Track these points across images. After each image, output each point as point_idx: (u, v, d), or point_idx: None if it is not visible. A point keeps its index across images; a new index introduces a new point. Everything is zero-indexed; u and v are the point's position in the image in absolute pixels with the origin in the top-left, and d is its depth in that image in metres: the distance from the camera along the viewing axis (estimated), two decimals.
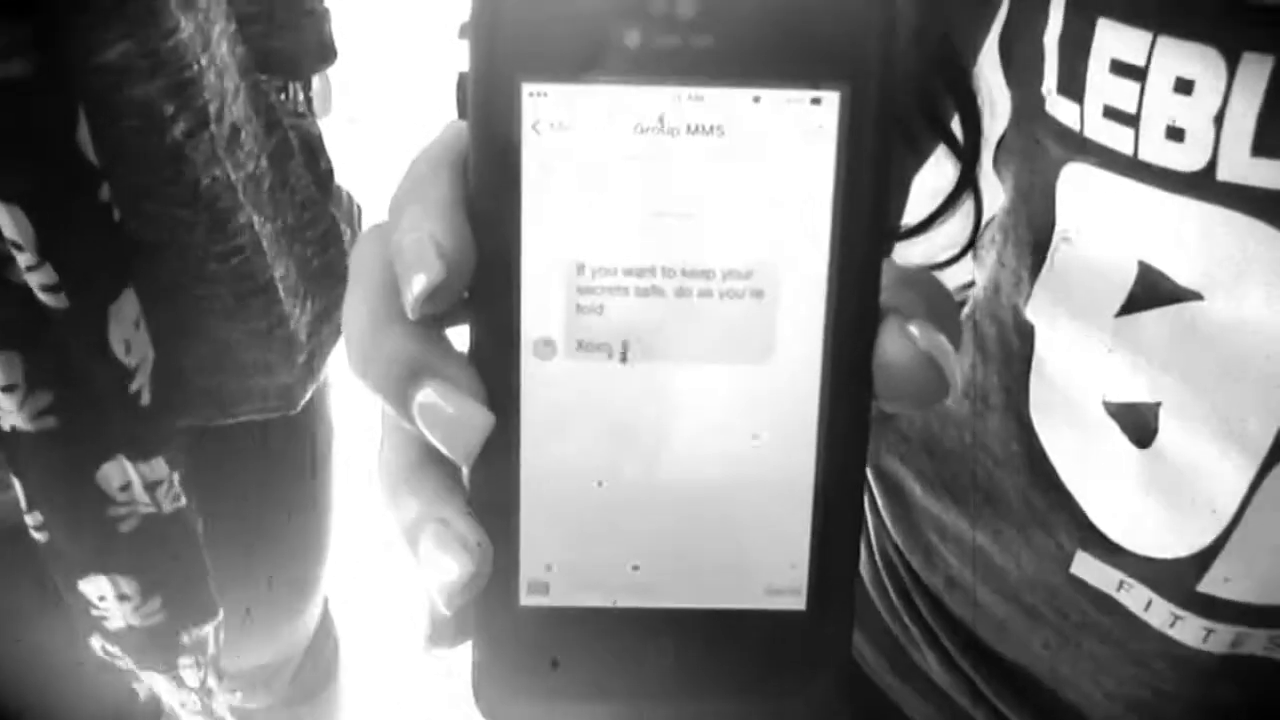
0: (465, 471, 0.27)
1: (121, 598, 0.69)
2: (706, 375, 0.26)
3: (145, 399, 0.64)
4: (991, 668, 0.58)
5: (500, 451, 0.26)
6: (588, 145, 0.25)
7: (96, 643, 0.72)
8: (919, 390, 0.26)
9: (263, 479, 0.83)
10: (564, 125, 0.25)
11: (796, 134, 0.25)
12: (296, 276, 0.72)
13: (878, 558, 0.63)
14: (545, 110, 0.25)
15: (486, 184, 0.25)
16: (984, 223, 0.56)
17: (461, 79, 0.25)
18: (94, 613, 0.70)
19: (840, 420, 0.26)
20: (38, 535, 0.66)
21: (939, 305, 0.27)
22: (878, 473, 0.62)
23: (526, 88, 0.25)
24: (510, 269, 0.25)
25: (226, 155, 0.64)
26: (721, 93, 0.25)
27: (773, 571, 0.27)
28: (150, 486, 0.66)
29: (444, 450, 0.25)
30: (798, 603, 0.27)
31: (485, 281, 0.25)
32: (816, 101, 0.25)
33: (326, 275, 0.75)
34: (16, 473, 0.64)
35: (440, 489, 0.26)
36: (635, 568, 0.27)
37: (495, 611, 0.27)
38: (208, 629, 0.73)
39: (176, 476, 0.68)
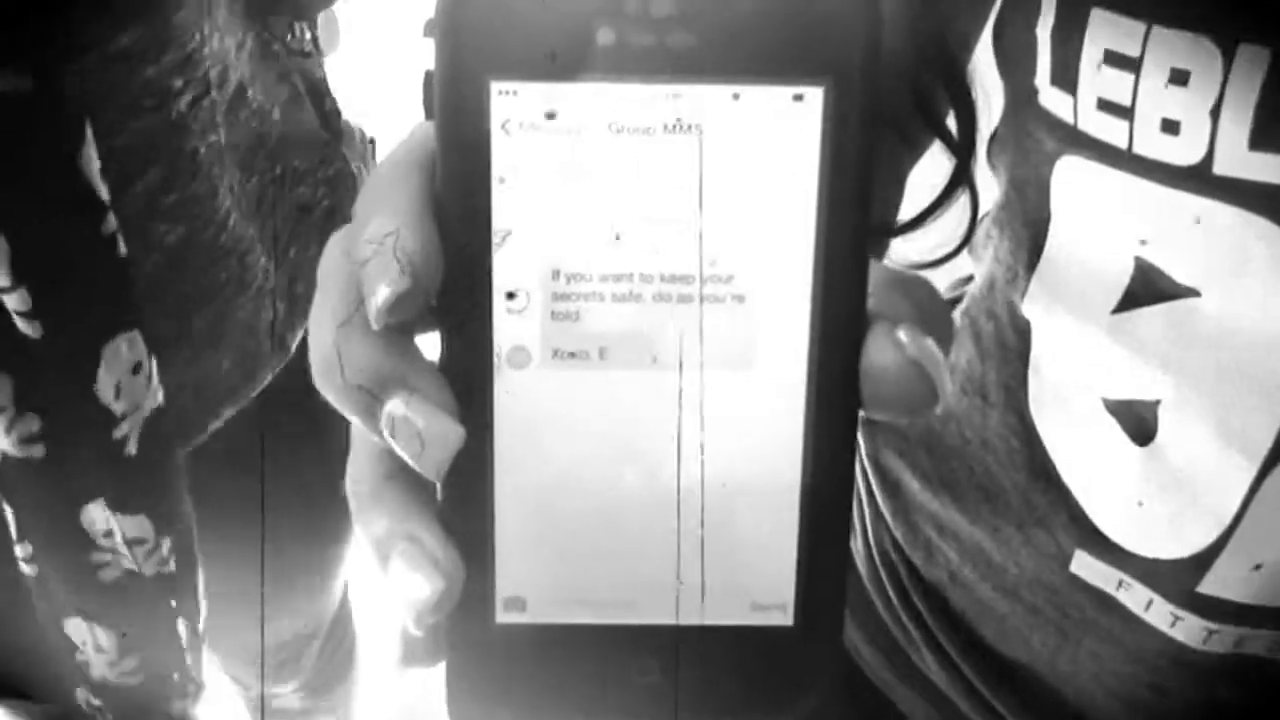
0: (438, 485, 0.26)
1: (98, 649, 0.66)
2: (687, 384, 0.25)
3: (131, 449, 0.61)
4: (990, 668, 0.57)
5: (473, 465, 0.25)
6: (560, 146, 0.24)
7: (82, 694, 0.69)
8: (906, 399, 0.25)
9: (278, 456, 0.82)
10: (535, 125, 0.24)
11: (778, 132, 0.24)
12: (281, 228, 0.71)
13: (875, 555, 0.63)
14: (515, 110, 0.24)
15: (455, 187, 0.24)
16: (979, 218, 0.55)
17: (428, 77, 0.24)
18: (79, 657, 0.67)
19: (826, 430, 0.26)
20: (27, 569, 0.64)
21: (929, 310, 0.26)
22: (876, 468, 0.62)
23: (495, 86, 0.24)
24: (481, 276, 0.25)
25: (225, 119, 0.63)
26: (699, 90, 0.24)
27: (758, 587, 0.26)
28: (131, 542, 0.63)
29: (413, 465, 0.24)
30: (784, 619, 0.26)
31: (455, 289, 0.25)
32: (799, 98, 0.24)
33: (334, 217, 0.74)
34: (8, 499, 0.62)
35: (411, 503, 0.25)
36: (615, 583, 0.26)
37: (470, 629, 0.26)
38: (190, 707, 0.71)
39: (166, 543, 0.65)
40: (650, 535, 0.26)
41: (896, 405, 0.25)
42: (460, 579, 0.25)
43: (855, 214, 0.25)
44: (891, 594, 0.61)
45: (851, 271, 0.25)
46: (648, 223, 0.25)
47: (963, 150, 0.53)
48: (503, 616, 0.26)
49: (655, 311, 0.25)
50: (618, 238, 0.25)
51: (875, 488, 0.62)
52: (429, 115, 0.24)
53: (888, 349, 0.25)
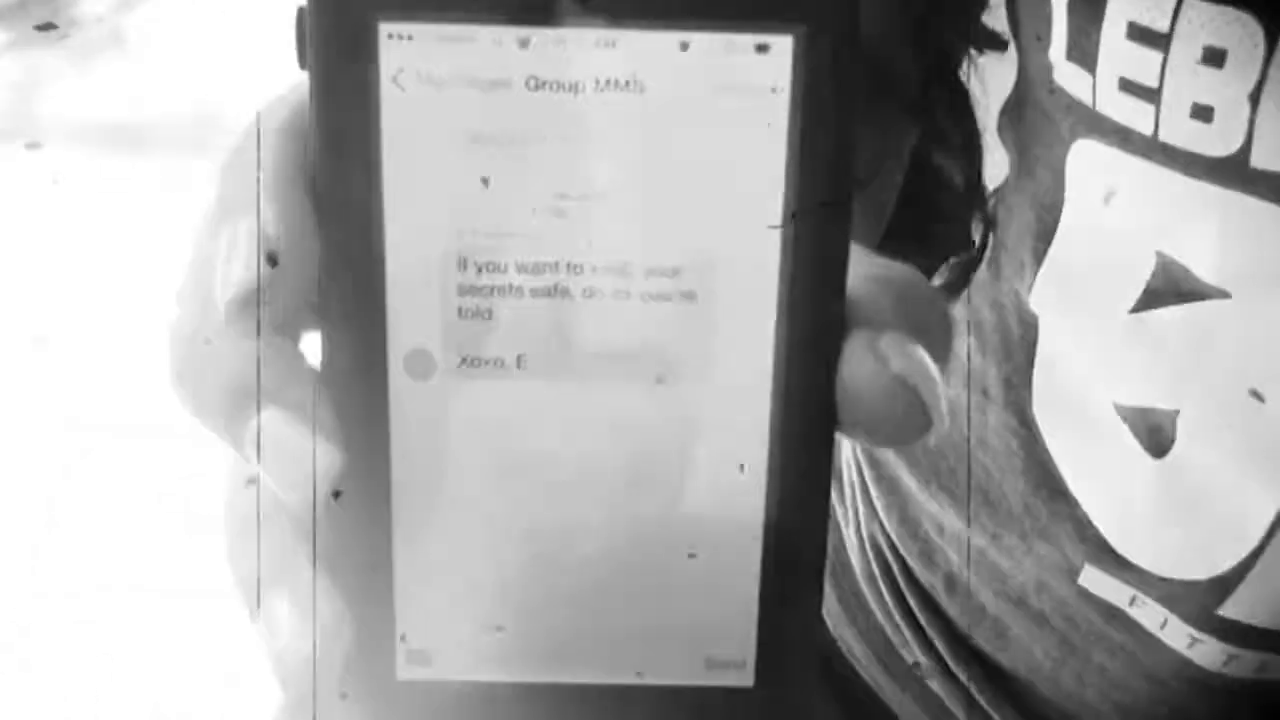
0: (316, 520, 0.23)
1: None
2: (625, 399, 0.22)
3: None
4: (989, 675, 0.56)
5: (367, 495, 0.22)
6: (467, 105, 0.21)
7: None
8: (891, 423, 0.22)
9: None
10: (435, 78, 0.21)
11: (736, 91, 0.21)
12: None
13: (868, 548, 0.62)
14: (410, 58, 0.21)
15: (336, 155, 0.21)
16: (989, 198, 0.53)
17: (300, 15, 0.21)
18: None
19: (795, 454, 0.23)
20: None
21: (920, 313, 0.23)
22: (870, 461, 0.61)
23: (385, 28, 0.21)
24: (371, 264, 0.21)
25: None
26: (640, 37, 0.21)
27: (713, 640, 0.24)
28: None
29: (282, 496, 0.21)
30: (744, 679, 0.24)
31: (338, 280, 0.21)
32: (762, 49, 0.21)
33: None
34: None
35: (290, 540, 0.22)
36: (540, 634, 0.23)
37: (368, 686, 0.23)
38: None
39: None
40: (581, 578, 0.23)
41: (879, 429, 0.22)
42: (344, 635, 0.22)
43: (831, 193, 0.21)
44: (884, 591, 0.60)
45: (827, 265, 0.22)
46: (575, 201, 0.21)
47: (970, 172, 0.51)
48: (405, 672, 0.23)
49: (585, 310, 0.22)
50: (538, 219, 0.21)
51: (869, 482, 0.61)
52: (303, 65, 0.21)
53: (869, 362, 0.22)
